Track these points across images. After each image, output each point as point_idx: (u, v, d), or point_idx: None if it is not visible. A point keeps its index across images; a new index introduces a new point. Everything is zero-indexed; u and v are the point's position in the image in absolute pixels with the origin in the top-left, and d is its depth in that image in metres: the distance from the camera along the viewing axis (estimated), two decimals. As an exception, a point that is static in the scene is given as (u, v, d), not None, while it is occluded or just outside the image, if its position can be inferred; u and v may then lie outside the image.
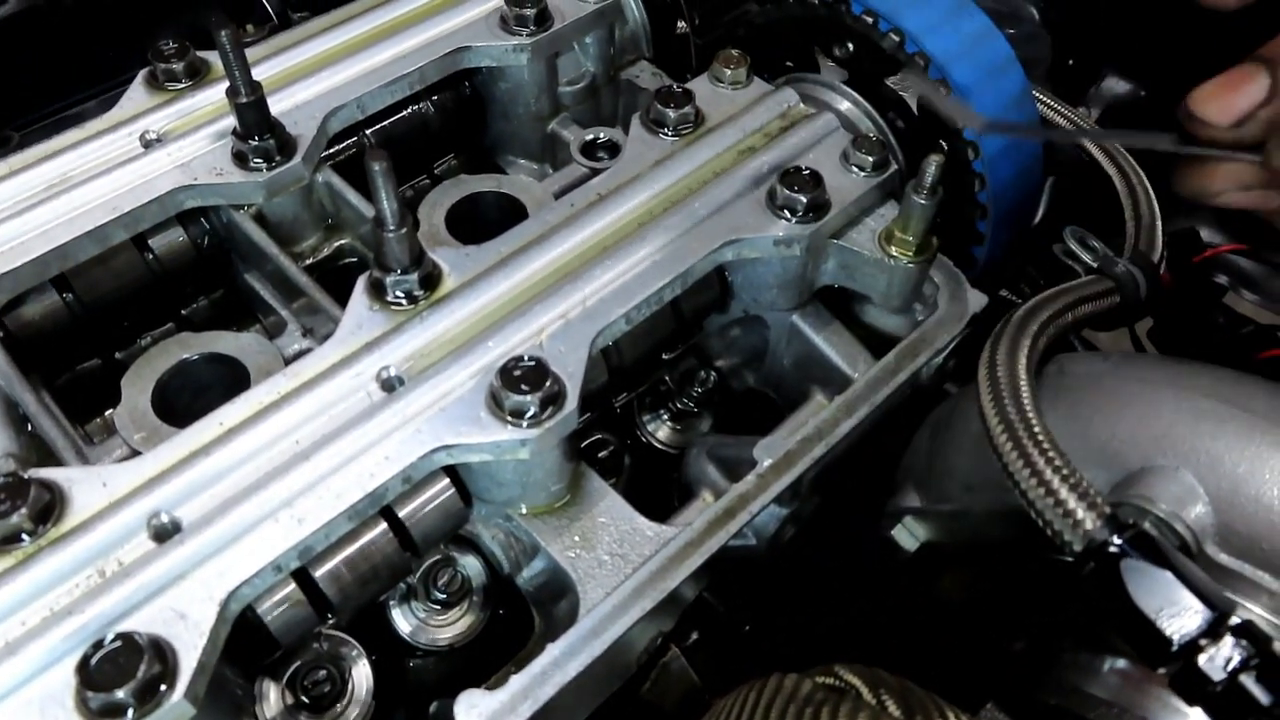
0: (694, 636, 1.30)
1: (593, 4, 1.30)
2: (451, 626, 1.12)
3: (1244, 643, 0.69)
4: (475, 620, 1.13)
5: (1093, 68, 2.20)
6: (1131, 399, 0.91)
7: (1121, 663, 0.92)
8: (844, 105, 1.23)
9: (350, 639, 1.05)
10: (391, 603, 1.11)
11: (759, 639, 1.27)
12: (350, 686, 1.03)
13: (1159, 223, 1.31)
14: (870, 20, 1.16)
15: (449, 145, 1.39)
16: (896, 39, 1.15)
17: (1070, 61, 2.20)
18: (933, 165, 1.00)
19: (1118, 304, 1.12)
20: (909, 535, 1.10)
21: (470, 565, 1.12)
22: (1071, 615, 0.98)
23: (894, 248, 1.08)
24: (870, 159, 1.12)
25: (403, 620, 1.11)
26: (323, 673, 1.00)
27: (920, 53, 1.14)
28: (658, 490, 1.25)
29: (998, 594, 1.05)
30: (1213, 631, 0.70)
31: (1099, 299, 1.09)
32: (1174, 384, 0.90)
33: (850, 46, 1.22)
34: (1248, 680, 0.69)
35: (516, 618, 1.12)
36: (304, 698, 1.00)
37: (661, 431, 1.31)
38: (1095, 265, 1.15)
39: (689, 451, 1.18)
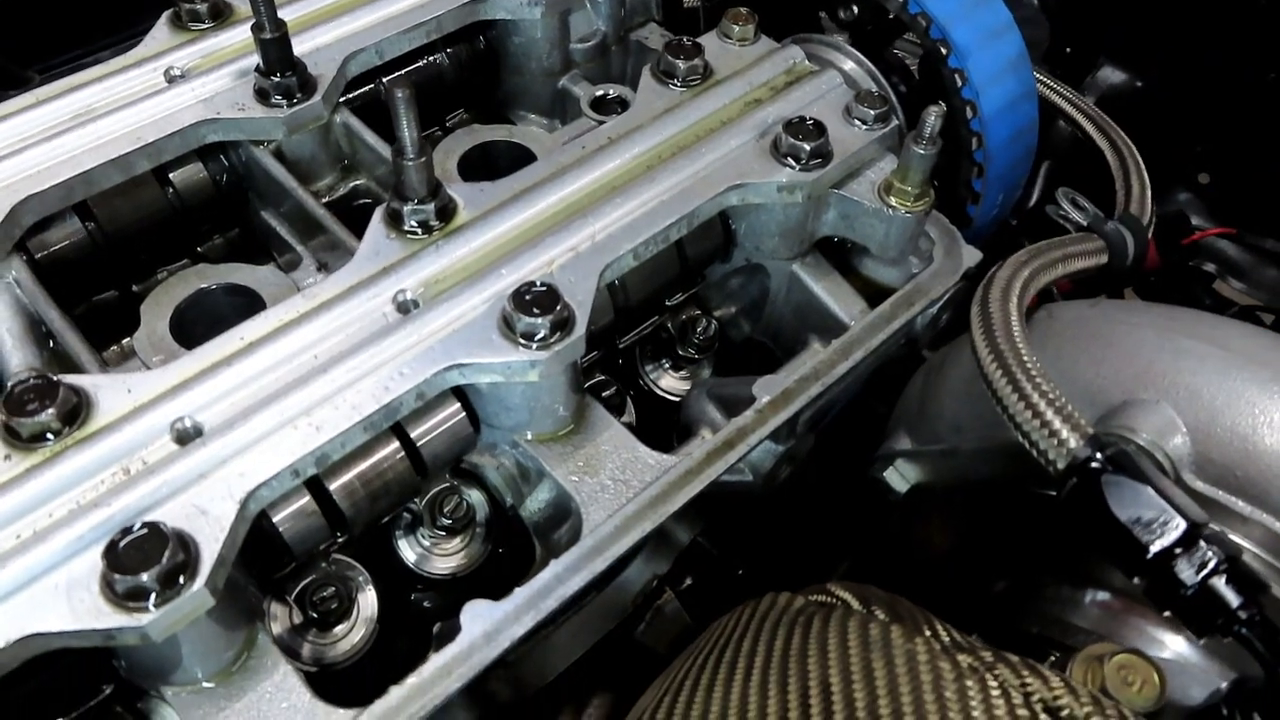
0: (689, 580, 1.34)
1: (605, -38, 1.34)
2: (454, 556, 1.15)
3: (1215, 548, 0.73)
4: (477, 552, 1.16)
5: (1090, 56, 2.24)
6: (1115, 339, 0.95)
7: (1103, 595, 0.96)
8: (848, 65, 1.27)
9: (358, 564, 1.08)
10: (398, 532, 1.15)
11: (752, 582, 1.31)
12: (356, 608, 1.07)
13: (1149, 193, 1.35)
14: (875, -19, 1.20)
15: (462, 98, 1.42)
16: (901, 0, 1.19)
17: (1068, 49, 2.24)
18: (933, 115, 1.04)
19: (1105, 263, 1.16)
20: (900, 477, 1.14)
21: (474, 498, 1.15)
22: (1054, 550, 1.02)
23: (893, 198, 1.12)
24: (872, 113, 1.16)
25: (408, 549, 1.15)
26: (330, 590, 1.04)
27: (923, 13, 1.17)
28: (660, 435, 1.29)
29: (984, 533, 1.09)
30: (1187, 540, 0.74)
31: (1088, 256, 1.13)
32: (1155, 325, 0.94)
33: (855, 9, 1.26)
34: (1218, 583, 0.73)
35: (516, 556, 1.16)
36: (312, 613, 1.03)
37: (664, 380, 1.34)
38: (1086, 224, 1.19)
39: (690, 392, 1.22)
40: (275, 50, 1.10)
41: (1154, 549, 0.75)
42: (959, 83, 1.17)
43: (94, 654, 0.83)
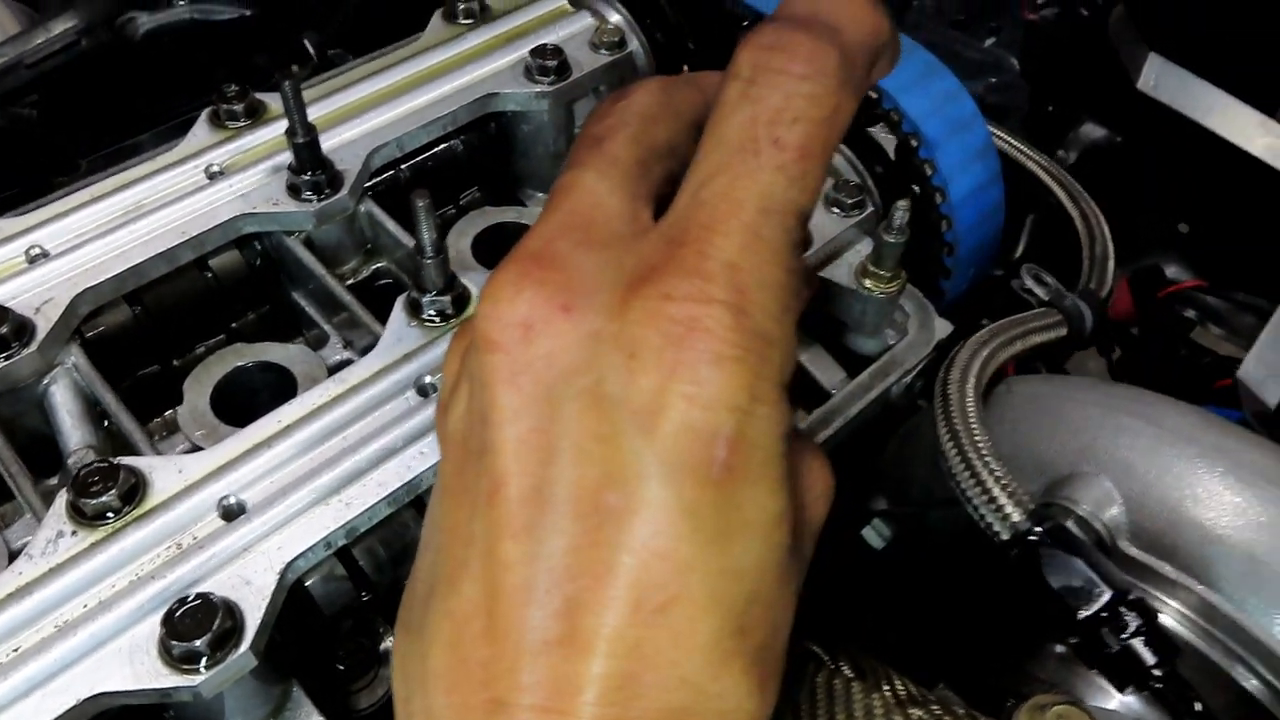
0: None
1: (607, 57, 1.45)
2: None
3: (1135, 615, 0.84)
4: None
5: (1071, 114, 2.35)
6: (1064, 414, 1.06)
7: (1059, 647, 1.06)
8: (828, 152, 1.38)
9: (380, 618, 1.19)
10: (416, 587, 1.25)
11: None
12: (378, 660, 1.17)
13: (1111, 261, 1.46)
14: (850, 79, 1.31)
15: (474, 179, 1.54)
16: (875, 96, 1.30)
17: (1050, 108, 2.35)
18: (900, 209, 1.15)
19: (1065, 335, 1.26)
20: (877, 535, 1.24)
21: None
22: (1014, 606, 1.12)
23: (868, 280, 1.23)
24: (849, 201, 1.27)
25: (426, 602, 1.25)
26: (355, 644, 1.14)
27: (895, 108, 1.28)
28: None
29: (953, 588, 1.19)
30: (1111, 607, 0.85)
31: (1047, 330, 1.24)
32: (1099, 403, 1.05)
33: (836, 100, 1.38)
34: (1138, 645, 0.83)
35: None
36: (339, 665, 1.14)
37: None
38: (1047, 299, 1.30)
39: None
40: (306, 152, 1.21)
41: (1082, 614, 0.85)
42: (929, 171, 1.27)
43: (148, 707, 0.94)
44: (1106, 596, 0.85)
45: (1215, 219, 2.22)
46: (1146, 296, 2.11)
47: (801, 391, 1.32)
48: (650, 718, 0.57)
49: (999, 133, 1.64)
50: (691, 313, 0.57)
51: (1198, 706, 0.80)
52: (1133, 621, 0.83)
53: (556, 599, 0.59)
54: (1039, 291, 1.30)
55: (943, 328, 1.29)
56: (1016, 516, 0.91)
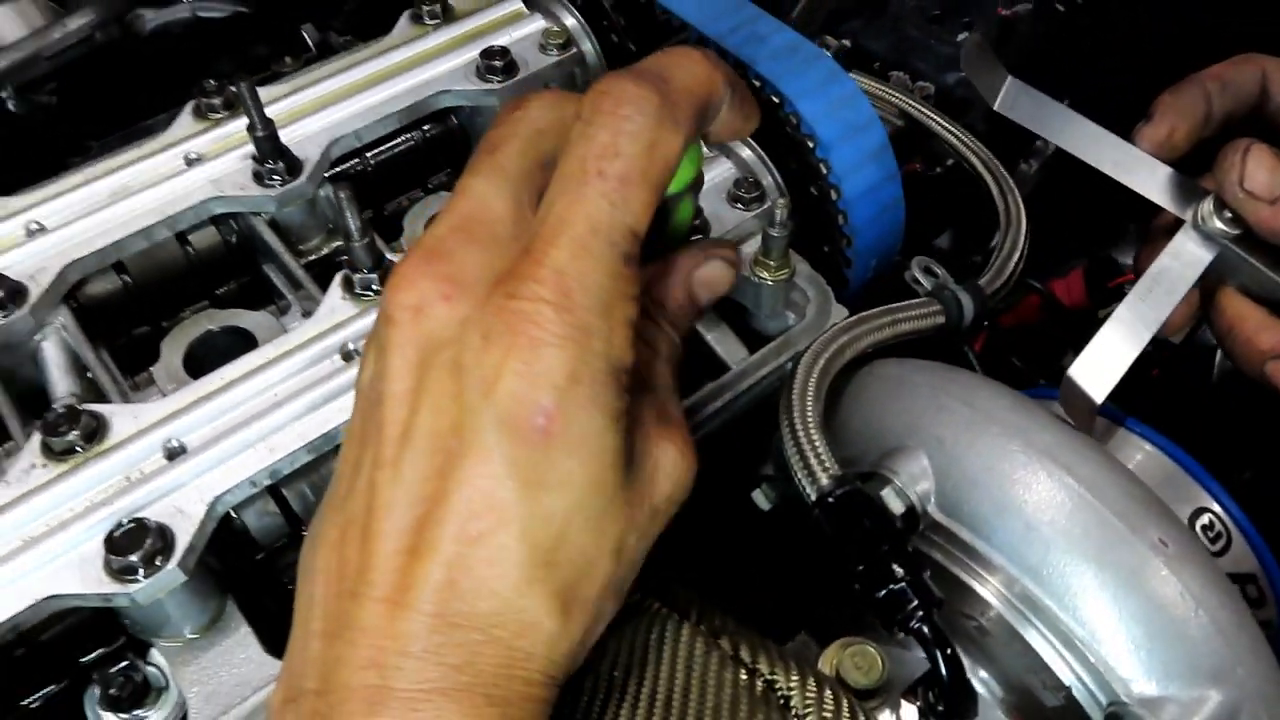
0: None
1: (554, 57, 1.60)
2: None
3: (904, 565, 0.98)
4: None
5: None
6: (901, 395, 1.19)
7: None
8: (745, 152, 1.51)
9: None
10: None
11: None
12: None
13: (1016, 253, 1.56)
14: (759, 84, 1.45)
15: (440, 165, 1.70)
16: (776, 101, 1.43)
17: (1025, 99, 2.43)
18: (780, 207, 1.29)
19: (942, 323, 1.38)
20: (764, 497, 1.39)
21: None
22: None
23: (759, 270, 1.37)
24: (747, 196, 1.41)
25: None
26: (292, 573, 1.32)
27: (794, 113, 1.42)
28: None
29: (820, 546, 1.33)
30: (884, 558, 0.99)
31: (921, 319, 1.36)
32: (930, 384, 1.18)
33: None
34: (903, 590, 0.97)
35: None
36: (289, 586, 1.31)
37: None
38: (930, 289, 1.42)
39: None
40: (266, 144, 1.38)
41: (860, 564, 0.99)
42: (824, 170, 1.41)
43: (108, 615, 1.13)
44: (882, 549, 0.99)
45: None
46: (1098, 285, 2.21)
47: (707, 366, 1.47)
48: (465, 615, 0.76)
49: (947, 125, 1.76)
50: (525, 308, 0.74)
51: (949, 650, 0.94)
52: (902, 572, 0.97)
53: (408, 518, 0.78)
54: (924, 282, 1.42)
55: (839, 312, 1.42)
56: (824, 481, 1.05)
